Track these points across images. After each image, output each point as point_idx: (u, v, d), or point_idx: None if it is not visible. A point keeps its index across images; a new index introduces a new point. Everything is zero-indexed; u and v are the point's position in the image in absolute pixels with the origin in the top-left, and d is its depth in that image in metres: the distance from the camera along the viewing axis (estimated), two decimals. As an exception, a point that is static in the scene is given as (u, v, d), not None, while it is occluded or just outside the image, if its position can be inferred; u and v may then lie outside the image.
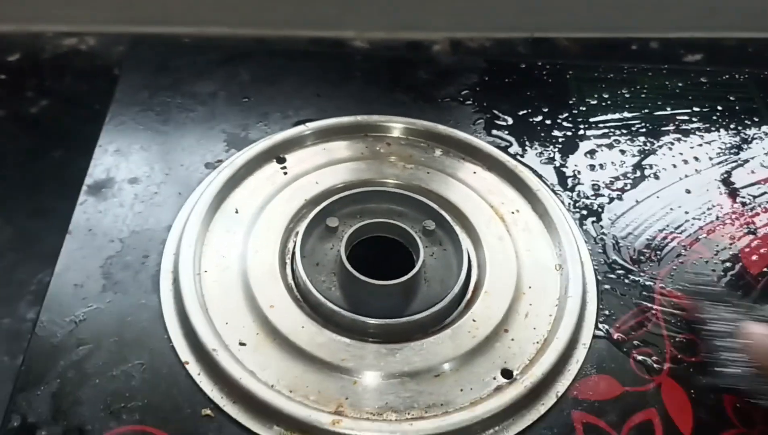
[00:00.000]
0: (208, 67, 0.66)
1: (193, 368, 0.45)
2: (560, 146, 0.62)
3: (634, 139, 0.63)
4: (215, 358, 0.45)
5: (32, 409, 0.43)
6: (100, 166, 0.57)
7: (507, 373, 0.47)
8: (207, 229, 0.53)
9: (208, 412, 0.44)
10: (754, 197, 0.59)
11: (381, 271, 0.49)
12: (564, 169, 0.60)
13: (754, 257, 0.55)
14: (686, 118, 0.65)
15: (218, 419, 0.44)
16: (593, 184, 0.59)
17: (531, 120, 0.64)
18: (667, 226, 0.56)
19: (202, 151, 0.59)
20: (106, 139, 0.59)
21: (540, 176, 0.59)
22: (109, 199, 0.55)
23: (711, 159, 0.62)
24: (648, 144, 0.63)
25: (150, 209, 0.54)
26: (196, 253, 0.50)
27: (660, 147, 0.62)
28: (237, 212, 0.54)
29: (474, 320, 0.49)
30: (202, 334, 0.46)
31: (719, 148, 0.63)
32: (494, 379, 0.46)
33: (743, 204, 0.58)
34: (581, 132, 0.63)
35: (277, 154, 0.58)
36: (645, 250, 0.55)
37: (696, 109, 0.66)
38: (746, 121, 0.65)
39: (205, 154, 0.59)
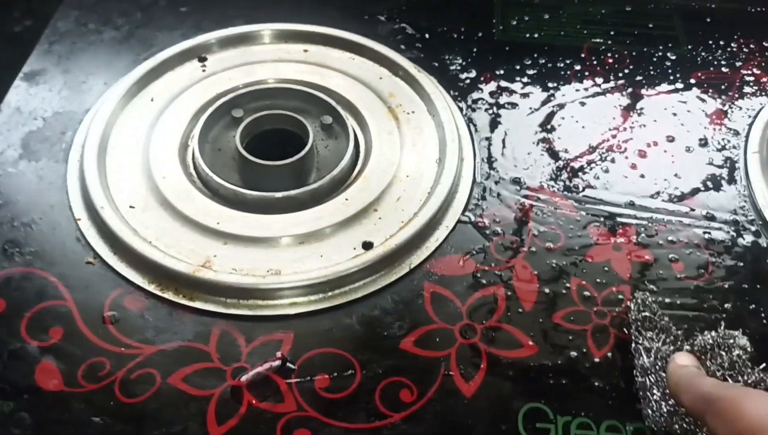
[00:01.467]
0: (155, -22, 0.71)
1: (84, 224, 0.51)
2: (469, 60, 0.65)
3: (543, 58, 0.65)
4: (102, 216, 0.50)
5: (-62, 248, 0.49)
6: (39, 58, 0.63)
7: (367, 245, 0.51)
8: (121, 111, 0.58)
9: (91, 259, 0.49)
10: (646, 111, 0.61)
11: (279, 160, 0.54)
12: (469, 80, 0.63)
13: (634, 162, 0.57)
14: (600, 41, 0.67)
15: (99, 267, 0.49)
16: (492, 94, 0.62)
17: (448, 36, 0.67)
18: (555, 135, 0.59)
19: (133, 50, 0.64)
20: (48, 35, 0.65)
21: (442, 84, 0.62)
22: (41, 84, 0.60)
23: (615, 78, 0.64)
24: (557, 63, 0.65)
25: (75, 95, 0.60)
26: (105, 130, 0.56)
27: (567, 66, 0.65)
28: (152, 101, 0.59)
29: (347, 199, 0.53)
30: (94, 195, 0.51)
31: (625, 68, 0.65)
32: (354, 249, 0.50)
33: (632, 123, 0.61)
34: (495, 49, 0.66)
35: (199, 53, 0.63)
36: (530, 152, 0.58)
37: (612, 33, 0.68)
38: (660, 47, 0.67)
39: (137, 52, 0.64)
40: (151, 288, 0.48)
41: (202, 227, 0.51)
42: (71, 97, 0.60)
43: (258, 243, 0.50)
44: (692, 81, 0.64)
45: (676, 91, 0.63)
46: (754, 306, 0.49)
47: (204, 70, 0.62)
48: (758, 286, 0.50)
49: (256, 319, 0.47)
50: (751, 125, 0.60)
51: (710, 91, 0.63)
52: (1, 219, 0.51)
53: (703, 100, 0.63)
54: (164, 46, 0.64)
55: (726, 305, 0.49)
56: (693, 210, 0.54)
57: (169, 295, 0.47)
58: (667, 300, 0.49)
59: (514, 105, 0.61)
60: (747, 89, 0.64)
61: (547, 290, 0.49)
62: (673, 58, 0.66)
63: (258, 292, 0.47)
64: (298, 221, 0.51)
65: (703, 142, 0.59)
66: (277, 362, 0.44)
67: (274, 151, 0.56)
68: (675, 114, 0.61)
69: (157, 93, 0.60)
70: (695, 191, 0.56)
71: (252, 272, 0.48)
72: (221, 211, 0.52)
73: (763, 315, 0.48)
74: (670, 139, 0.59)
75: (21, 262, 0.49)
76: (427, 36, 0.67)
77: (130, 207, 0.52)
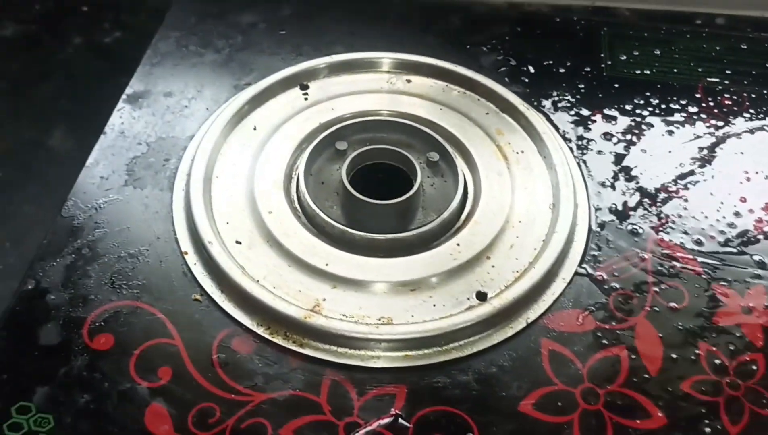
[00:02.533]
0: (255, 1, 0.70)
1: (191, 258, 0.50)
2: (579, 97, 0.62)
3: (656, 97, 0.62)
4: (210, 250, 0.49)
5: (46, 277, 0.48)
6: (141, 79, 0.62)
7: (481, 295, 0.48)
8: (225, 140, 0.57)
9: (198, 297, 0.48)
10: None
11: (383, 197, 0.52)
12: (579, 119, 0.61)
13: (760, 216, 0.54)
14: (716, 80, 0.64)
15: (206, 305, 0.48)
16: (606, 136, 0.59)
17: (554, 71, 0.65)
18: (673, 180, 0.56)
19: (233, 74, 0.63)
20: (150, 57, 0.64)
21: (552, 123, 0.60)
22: (144, 108, 0.60)
23: (731, 122, 0.61)
24: (670, 102, 0.62)
25: (178, 120, 0.59)
26: (210, 159, 0.54)
27: (682, 106, 0.62)
28: (255, 129, 0.58)
29: (458, 244, 0.51)
30: (202, 228, 0.50)
31: (745, 111, 0.62)
32: (468, 299, 0.48)
33: (756, 171, 0.57)
34: (604, 86, 0.63)
35: (300, 81, 0.62)
36: (645, 200, 0.55)
37: (728, 72, 0.65)
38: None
39: (237, 77, 0.63)
40: (260, 331, 0.46)
41: (310, 268, 0.49)
42: (174, 121, 0.59)
43: (367, 288, 0.48)
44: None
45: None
46: None
47: (306, 99, 0.61)
48: None
49: (368, 370, 0.45)
50: None
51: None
52: (108, 248, 0.50)
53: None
54: (265, 71, 0.63)
55: None
56: (826, 272, 0.51)
57: (278, 340, 0.46)
58: (804, 372, 0.46)
59: (628, 146, 0.59)
60: None
61: (673, 355, 0.46)
62: (794, 101, 0.63)
63: (370, 342, 0.46)
64: (409, 266, 0.49)
65: (833, 197, 0.56)
66: (391, 419, 0.43)
67: (375, 185, 0.54)
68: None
69: (260, 121, 0.59)
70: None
71: (363, 320, 0.47)
72: (328, 251, 0.50)
73: None
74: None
75: (128, 296, 0.48)
76: (531, 69, 0.65)
77: (237, 242, 0.51)
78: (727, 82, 0.64)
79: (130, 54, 0.88)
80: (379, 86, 0.62)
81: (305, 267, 0.49)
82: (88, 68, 0.86)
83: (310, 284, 0.48)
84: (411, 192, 0.52)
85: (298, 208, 0.54)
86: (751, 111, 0.62)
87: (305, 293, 0.48)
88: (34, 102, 0.83)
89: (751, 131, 0.60)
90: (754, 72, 0.65)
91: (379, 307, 0.48)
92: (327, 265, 0.49)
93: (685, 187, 0.56)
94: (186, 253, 0.50)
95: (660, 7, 0.78)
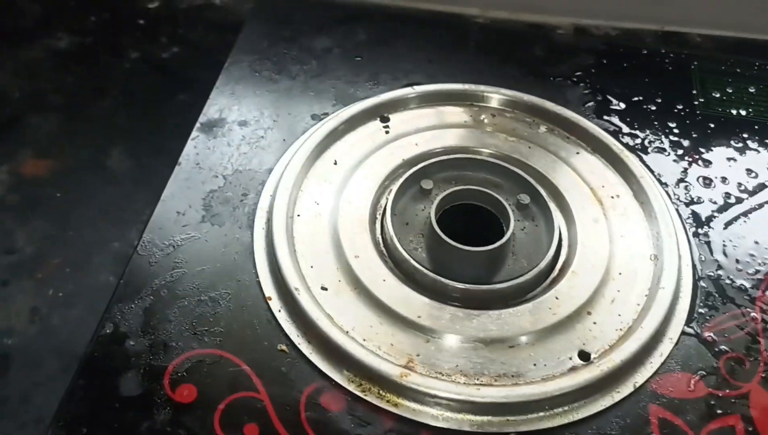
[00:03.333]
0: (328, 24, 0.68)
1: (275, 304, 0.47)
2: (673, 138, 0.59)
3: (756, 139, 0.59)
4: (297, 298, 0.46)
5: (124, 320, 0.46)
6: (215, 106, 0.59)
7: (584, 355, 0.45)
8: (305, 176, 0.54)
9: (284, 347, 0.45)
10: None
11: (469, 239, 0.49)
12: (674, 161, 0.57)
13: None
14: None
15: (292, 355, 0.45)
16: (705, 181, 0.56)
17: (645, 107, 0.62)
18: (781, 231, 0.53)
19: (310, 103, 0.60)
20: (223, 82, 0.62)
21: (647, 165, 0.57)
22: (219, 137, 0.57)
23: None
24: (772, 145, 0.59)
25: (255, 151, 0.56)
26: (291, 196, 0.52)
27: (785, 149, 0.59)
28: (335, 163, 0.55)
29: (557, 298, 0.48)
30: (287, 273, 0.47)
31: None
32: (570, 359, 0.45)
33: None
34: (698, 125, 0.60)
35: (381, 112, 0.59)
36: (753, 254, 0.52)
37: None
38: None
39: (313, 106, 0.60)
40: (351, 387, 0.44)
41: (402, 320, 0.46)
42: (250, 153, 0.56)
43: (462, 343, 0.46)
44: None
45: None
46: None
47: (387, 132, 0.58)
48: None
49: (466, 434, 0.42)
50: None
51: None
52: (187, 290, 0.47)
53: None
54: (342, 100, 0.60)
55: None
56: None
57: (371, 398, 0.43)
58: None
59: (729, 195, 0.55)
60: None
61: (792, 427, 0.43)
62: None
63: (471, 405, 0.43)
64: (506, 320, 0.47)
65: None
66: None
67: (461, 228, 0.51)
68: None
69: (341, 155, 0.56)
70: None
71: (459, 379, 0.44)
72: (419, 301, 0.47)
73: None
74: None
75: (210, 344, 0.45)
76: (621, 105, 0.62)
77: (323, 288, 0.48)
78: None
79: (188, 70, 0.86)
80: (462, 120, 0.59)
81: (396, 318, 0.46)
82: (146, 84, 0.84)
83: (402, 338, 0.46)
84: (505, 238, 0.50)
85: (384, 251, 0.51)
86: None
87: (397, 347, 0.45)
88: (91, 119, 0.81)
89: None
90: None
91: (476, 364, 0.45)
92: (419, 317, 0.46)
93: (797, 240, 0.53)
94: (270, 298, 0.47)
95: (732, 34, 0.75)
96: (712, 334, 0.47)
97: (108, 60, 0.87)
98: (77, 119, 0.81)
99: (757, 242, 0.52)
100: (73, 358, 0.59)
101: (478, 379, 0.44)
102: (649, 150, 0.58)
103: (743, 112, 0.61)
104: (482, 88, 0.61)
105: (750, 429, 0.43)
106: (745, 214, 0.54)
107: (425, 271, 0.48)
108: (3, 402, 0.59)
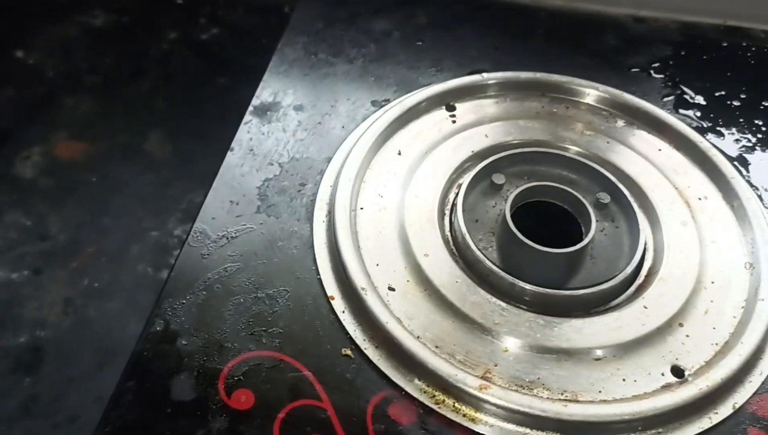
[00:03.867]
0: (386, 6, 0.64)
1: (338, 304, 0.43)
2: (761, 136, 0.55)
3: None
4: (363, 298, 0.42)
5: (176, 317, 0.42)
6: (268, 88, 0.56)
7: (678, 371, 0.41)
8: (367, 166, 0.50)
9: (348, 352, 0.41)
10: None
11: (542, 240, 0.45)
12: (763, 162, 0.53)
13: None
14: None
15: (357, 361, 0.41)
16: (799, 183, 0.52)
17: (728, 103, 0.57)
18: None
19: (370, 88, 0.56)
20: (277, 64, 0.58)
21: (735, 164, 0.52)
22: (273, 122, 0.53)
23: None
24: None
25: (312, 138, 0.53)
26: (354, 188, 0.48)
27: None
28: (399, 154, 0.51)
29: (645, 307, 0.44)
30: (352, 271, 0.43)
31: None
32: (662, 375, 0.41)
33: None
34: (788, 123, 0.56)
35: (447, 101, 0.55)
36: None
37: None
38: None
39: (373, 92, 0.56)
40: (424, 398, 0.40)
41: (477, 325, 0.42)
42: (307, 140, 0.52)
43: (543, 354, 0.42)
44: None
45: None
46: None
47: (454, 121, 0.54)
48: None
49: (550, 454, 0.38)
50: None
51: None
52: (243, 286, 0.44)
53: None
54: (404, 86, 0.56)
55: None
56: None
57: (445, 411, 0.39)
58: None
59: (827, 199, 0.51)
60: None
61: None
62: None
63: (556, 423, 0.39)
64: (591, 330, 0.43)
65: None
66: None
67: (533, 226, 0.47)
68: None
69: (404, 145, 0.52)
70: None
71: (542, 393, 0.40)
72: (495, 306, 0.43)
73: None
74: None
75: (269, 346, 0.41)
76: (702, 100, 0.57)
77: (390, 289, 0.44)
78: None
79: (228, 53, 0.82)
80: (535, 112, 0.55)
81: (471, 323, 0.42)
82: (184, 66, 0.81)
83: (478, 345, 0.42)
84: (586, 240, 0.46)
85: (455, 250, 0.47)
86: None
87: (474, 356, 0.41)
88: (129, 101, 0.78)
89: None
90: None
91: (560, 377, 0.41)
92: (496, 323, 0.42)
93: None
94: (332, 298, 0.43)
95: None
96: (817, 353, 0.43)
97: (146, 40, 0.83)
98: (114, 101, 0.77)
99: None
100: (110, 354, 0.56)
101: (562, 394, 0.40)
102: (737, 148, 0.54)
103: (836, 111, 0.57)
104: (555, 77, 0.56)
105: None
106: None
107: (502, 273, 0.44)
108: (34, 399, 0.56)
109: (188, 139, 0.71)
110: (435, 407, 0.39)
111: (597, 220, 0.48)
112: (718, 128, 0.55)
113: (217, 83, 0.76)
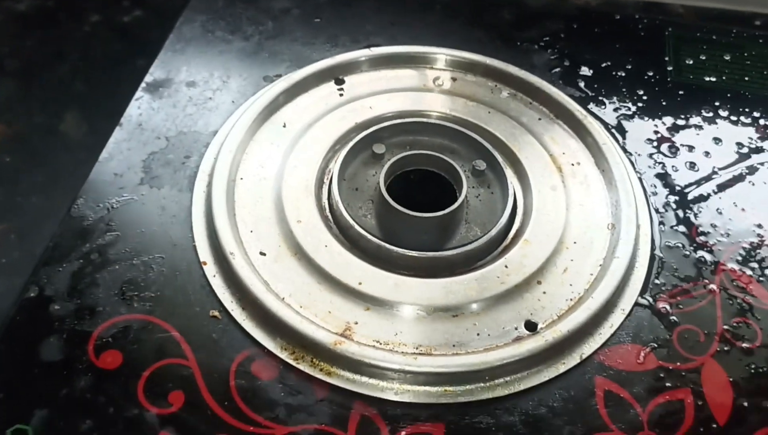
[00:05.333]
0: (288, -16, 0.65)
1: (210, 269, 0.45)
2: (641, 105, 0.57)
3: (727, 107, 0.57)
4: (231, 263, 0.44)
5: (51, 284, 0.44)
6: (162, 66, 0.57)
7: (531, 325, 0.43)
8: (251, 138, 0.52)
9: (216, 313, 0.43)
10: None
11: (424, 206, 0.47)
12: (640, 129, 0.55)
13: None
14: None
15: (224, 322, 0.43)
16: (671, 149, 0.54)
17: (614, 74, 0.59)
18: (745, 203, 0.51)
19: (263, 64, 0.58)
20: (173, 42, 0.59)
21: (611, 132, 0.54)
22: (164, 98, 0.55)
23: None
24: (742, 115, 0.56)
25: (201, 113, 0.54)
26: (235, 159, 0.50)
27: (755, 119, 0.56)
28: (285, 126, 0.53)
29: (506, 266, 0.46)
30: (223, 237, 0.45)
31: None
32: (516, 329, 0.43)
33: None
34: (668, 93, 0.58)
35: (336, 75, 0.56)
36: (716, 224, 0.49)
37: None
38: None
39: (266, 68, 0.58)
40: (284, 355, 0.41)
41: (342, 287, 0.44)
42: (197, 115, 0.54)
43: (404, 311, 0.44)
44: None
45: None
46: None
47: (342, 95, 0.56)
48: None
49: (402, 405, 0.40)
50: None
51: None
52: (120, 254, 0.45)
53: None
54: (297, 62, 0.58)
55: None
56: None
57: (304, 367, 0.41)
58: None
59: (693, 164, 0.53)
60: None
61: (745, 402, 0.41)
62: None
63: (406, 374, 0.41)
64: (451, 288, 0.44)
65: None
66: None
67: (413, 194, 0.49)
68: None
69: (291, 118, 0.54)
70: None
71: (398, 348, 0.42)
72: (362, 268, 0.45)
73: None
74: None
75: (140, 310, 0.43)
76: (588, 71, 0.59)
77: (261, 253, 0.46)
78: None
79: (150, 35, 0.83)
80: (421, 84, 0.57)
81: (336, 285, 0.44)
82: (105, 49, 0.81)
83: (341, 305, 0.44)
84: (456, 204, 0.47)
85: (330, 217, 0.49)
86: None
87: (335, 315, 0.43)
88: (47, 83, 0.78)
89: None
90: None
91: (417, 333, 0.43)
92: (360, 283, 0.44)
93: (763, 211, 0.50)
94: (205, 263, 0.45)
95: (717, 5, 0.72)
96: (666, 306, 0.45)
97: (68, 24, 0.84)
98: (33, 84, 0.78)
99: (720, 213, 0.50)
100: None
101: (417, 348, 0.42)
102: (615, 117, 0.56)
103: (714, 80, 0.59)
104: (442, 50, 0.58)
105: (700, 403, 0.41)
106: (710, 184, 0.52)
107: (369, 236, 0.46)
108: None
109: (103, 119, 0.72)
110: (294, 363, 0.41)
111: (473, 187, 0.50)
112: (600, 98, 0.57)
113: (136, 64, 0.76)
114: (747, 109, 0.57)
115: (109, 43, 0.81)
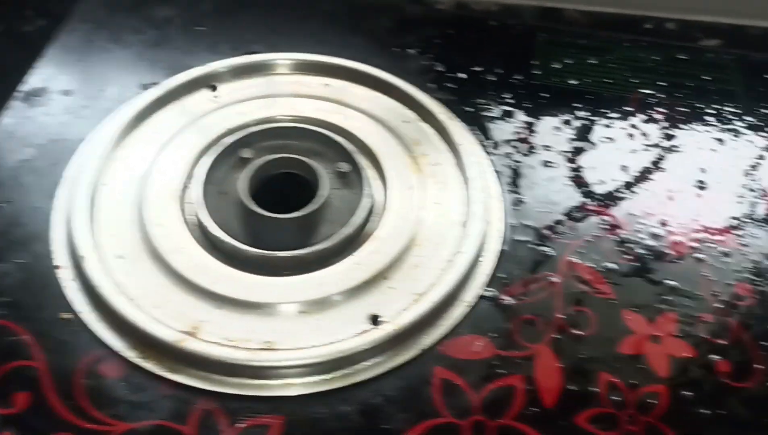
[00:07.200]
0: (173, -8, 0.67)
1: (65, 274, 0.46)
2: (505, 107, 0.59)
3: (585, 109, 0.59)
4: (82, 266, 0.45)
5: None
6: (39, 75, 0.58)
7: (374, 319, 0.45)
8: (120, 144, 0.53)
9: (66, 316, 0.44)
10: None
11: (291, 209, 0.49)
12: (502, 130, 0.57)
13: (677, 238, 0.51)
14: (650, 92, 0.61)
15: (75, 324, 0.44)
16: (529, 149, 0.56)
17: (483, 78, 0.61)
18: (592, 198, 0.53)
19: (141, 73, 0.59)
20: (53, 51, 0.60)
21: (476, 133, 0.57)
22: (37, 107, 0.56)
23: (659, 137, 0.58)
24: (598, 115, 0.59)
25: (75, 121, 0.55)
26: (99, 165, 0.51)
27: (612, 119, 0.59)
28: (155, 133, 0.54)
29: (357, 264, 0.48)
30: (78, 240, 0.46)
31: (674, 127, 0.59)
32: (360, 323, 0.45)
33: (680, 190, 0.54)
34: (532, 95, 0.60)
35: (209, 82, 0.58)
36: (561, 221, 0.52)
37: (664, 84, 0.62)
38: (715, 103, 0.60)
39: (144, 76, 0.59)
40: (131, 355, 0.43)
41: (194, 287, 0.46)
42: (70, 123, 0.55)
43: (254, 309, 0.45)
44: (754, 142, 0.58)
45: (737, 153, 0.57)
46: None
47: (215, 102, 0.57)
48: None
49: (243, 398, 0.42)
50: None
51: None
52: (-23, 261, 0.46)
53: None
54: (176, 70, 0.59)
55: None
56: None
57: (149, 365, 0.43)
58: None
59: (549, 163, 0.55)
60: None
61: (572, 386, 0.43)
62: (730, 116, 0.60)
63: (248, 369, 0.42)
64: (302, 286, 0.46)
65: None
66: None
67: (282, 198, 0.51)
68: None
69: (161, 125, 0.55)
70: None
71: (243, 344, 0.43)
72: (218, 270, 0.47)
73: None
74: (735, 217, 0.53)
75: (-7, 314, 0.44)
76: (460, 75, 0.62)
77: (119, 257, 0.47)
78: (662, 94, 0.61)
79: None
80: (293, 90, 0.59)
81: (189, 286, 0.46)
82: (4, 59, 0.82)
83: (194, 305, 0.45)
84: (313, 206, 0.49)
85: (192, 221, 0.50)
86: (681, 126, 0.59)
87: (187, 315, 0.45)
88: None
89: (677, 148, 0.57)
90: (691, 84, 0.62)
91: (265, 330, 0.44)
92: (214, 283, 0.46)
93: (605, 206, 0.53)
94: (59, 267, 0.46)
95: (608, 10, 0.75)
96: (509, 298, 0.47)
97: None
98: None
99: (568, 209, 0.52)
100: None
101: (262, 344, 0.43)
102: (479, 120, 0.58)
103: (578, 82, 0.62)
104: (317, 57, 0.60)
105: (530, 388, 0.43)
106: (561, 182, 0.54)
107: (222, 236, 0.48)
108: None
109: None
110: (141, 362, 0.43)
111: (336, 188, 0.52)
112: (468, 101, 0.59)
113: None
114: (604, 111, 0.59)
115: (8, 54, 0.81)
